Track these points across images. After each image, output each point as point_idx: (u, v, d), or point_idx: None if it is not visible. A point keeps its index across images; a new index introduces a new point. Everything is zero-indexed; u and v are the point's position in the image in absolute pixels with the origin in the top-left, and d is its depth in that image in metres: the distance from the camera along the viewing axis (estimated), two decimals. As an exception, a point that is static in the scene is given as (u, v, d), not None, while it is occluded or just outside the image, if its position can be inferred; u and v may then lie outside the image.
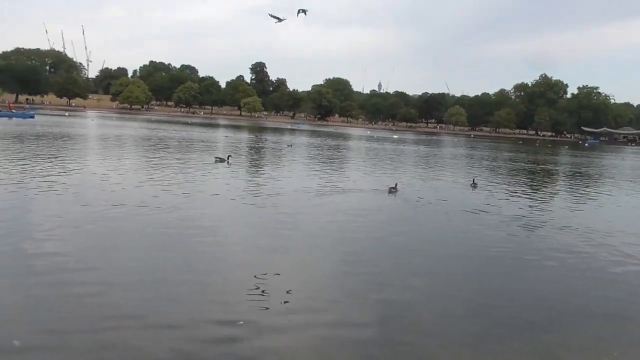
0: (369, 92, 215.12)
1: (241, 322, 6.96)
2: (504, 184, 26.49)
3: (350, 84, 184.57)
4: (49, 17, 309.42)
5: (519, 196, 21.61)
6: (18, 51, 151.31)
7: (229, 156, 26.17)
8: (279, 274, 9.17)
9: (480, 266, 10.72)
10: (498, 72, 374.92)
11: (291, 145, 44.04)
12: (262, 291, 8.19)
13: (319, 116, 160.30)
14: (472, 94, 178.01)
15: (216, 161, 25.67)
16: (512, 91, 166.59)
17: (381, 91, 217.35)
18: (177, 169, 22.53)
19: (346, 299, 8.27)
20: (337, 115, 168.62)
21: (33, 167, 19.73)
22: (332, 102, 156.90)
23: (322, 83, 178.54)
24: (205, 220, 12.80)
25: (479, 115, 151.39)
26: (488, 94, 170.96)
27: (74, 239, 10.50)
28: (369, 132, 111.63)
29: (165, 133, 50.95)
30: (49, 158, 23.20)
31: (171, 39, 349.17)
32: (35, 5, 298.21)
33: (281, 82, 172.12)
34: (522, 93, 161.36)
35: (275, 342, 6.63)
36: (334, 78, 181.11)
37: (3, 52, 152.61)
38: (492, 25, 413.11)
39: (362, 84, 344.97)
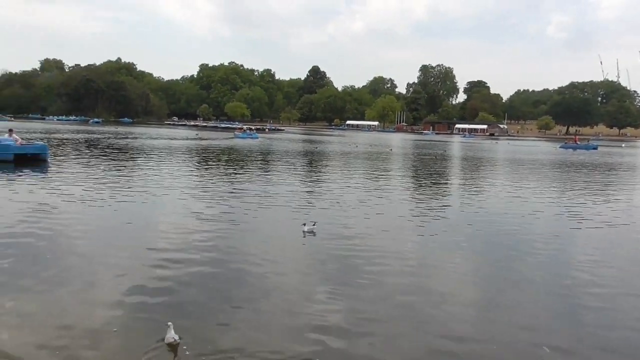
0: None
1: None
2: None
3: None
4: (605, 47, 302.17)
5: None
6: (572, 85, 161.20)
7: None
8: None
9: None
10: None
11: None
12: None
13: None
14: None
15: None
16: None
17: None
18: None
19: None
20: None
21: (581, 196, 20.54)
22: None
23: None
24: None
25: None
26: None
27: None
28: None
29: None
30: (596, 187, 23.95)
31: None
32: (594, 41, 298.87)
33: None
34: None
35: None
36: None
37: (558, 87, 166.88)
38: None
39: None
